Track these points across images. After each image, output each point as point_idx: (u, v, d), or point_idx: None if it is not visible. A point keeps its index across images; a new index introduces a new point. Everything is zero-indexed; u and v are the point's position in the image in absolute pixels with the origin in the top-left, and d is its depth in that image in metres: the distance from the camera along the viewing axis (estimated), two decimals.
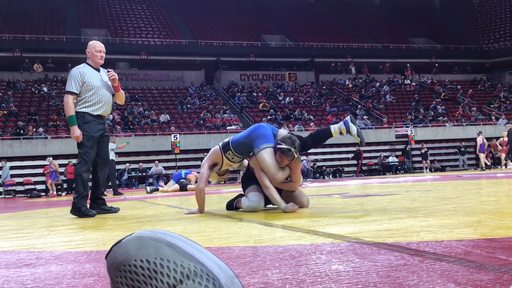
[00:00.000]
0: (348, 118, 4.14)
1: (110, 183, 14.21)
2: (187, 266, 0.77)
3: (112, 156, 13.90)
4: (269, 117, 26.55)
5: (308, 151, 24.49)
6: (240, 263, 1.69)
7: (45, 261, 2.03)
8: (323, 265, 1.56)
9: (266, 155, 4.02)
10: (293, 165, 4.16)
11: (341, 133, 4.14)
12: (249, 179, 4.40)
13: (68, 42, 31.40)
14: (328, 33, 39.10)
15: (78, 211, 4.90)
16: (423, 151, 24.40)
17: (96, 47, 5.21)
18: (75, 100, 5.03)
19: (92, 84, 5.04)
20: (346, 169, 25.14)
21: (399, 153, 26.34)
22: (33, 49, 29.87)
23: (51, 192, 19.14)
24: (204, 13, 39.34)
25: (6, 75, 28.55)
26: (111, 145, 13.83)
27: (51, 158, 19.37)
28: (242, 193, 4.50)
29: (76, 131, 4.94)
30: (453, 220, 2.62)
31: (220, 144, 4.40)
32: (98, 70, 5.22)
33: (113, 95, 5.34)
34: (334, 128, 4.14)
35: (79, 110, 5.02)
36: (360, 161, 24.33)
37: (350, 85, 33.22)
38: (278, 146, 4.00)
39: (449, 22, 44.73)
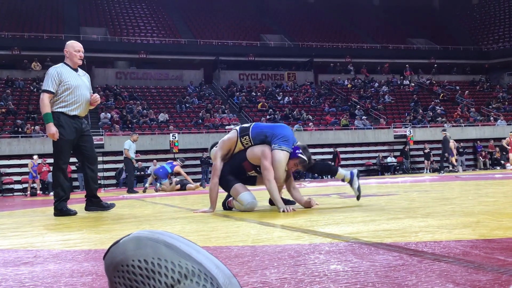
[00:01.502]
0: (355, 171, 4.42)
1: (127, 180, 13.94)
2: (185, 266, 0.77)
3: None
4: (268, 116, 26.54)
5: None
6: (239, 263, 1.69)
7: (43, 260, 2.02)
8: (321, 265, 1.56)
9: (284, 157, 4.11)
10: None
11: (343, 180, 4.44)
12: (230, 179, 4.32)
13: (67, 40, 31.23)
14: (327, 33, 39.10)
15: (60, 211, 4.98)
16: (426, 151, 24.31)
17: (75, 47, 5.21)
18: (51, 100, 5.03)
19: (70, 84, 5.03)
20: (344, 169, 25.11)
21: (398, 153, 26.35)
22: (32, 48, 29.83)
23: (29, 192, 18.71)
24: (204, 13, 39.32)
25: (4, 73, 28.52)
26: (130, 144, 13.48)
27: (36, 157, 19.10)
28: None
29: (52, 128, 4.92)
30: (452, 221, 2.62)
31: (238, 128, 4.42)
32: (76, 70, 5.21)
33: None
34: (341, 172, 4.45)
35: (56, 111, 5.00)
36: (337, 162, 23.61)
37: (349, 85, 33.22)
38: (299, 154, 4.16)
39: (448, 23, 44.76)
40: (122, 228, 3.29)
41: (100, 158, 21.58)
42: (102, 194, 14.43)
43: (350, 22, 41.90)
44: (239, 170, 4.36)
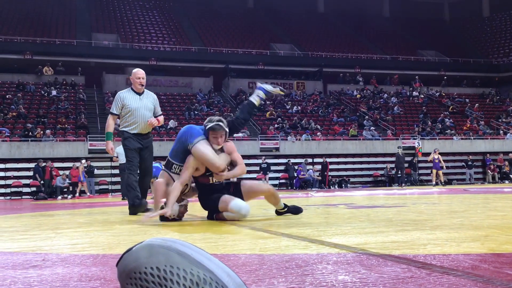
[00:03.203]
0: (260, 85, 4.73)
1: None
2: (196, 274, 0.78)
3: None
4: (276, 125, 26.55)
5: (313, 159, 24.51)
6: (246, 271, 1.69)
7: (52, 263, 2.04)
8: (329, 275, 1.56)
9: (201, 146, 4.11)
10: (228, 149, 4.31)
11: (262, 100, 4.77)
12: (213, 197, 4.22)
13: (78, 46, 31.63)
14: (337, 43, 39.15)
15: (136, 209, 5.61)
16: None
17: (136, 74, 5.88)
18: (118, 120, 5.91)
19: (130, 107, 5.74)
20: (352, 179, 25.05)
21: (406, 165, 26.21)
22: (44, 52, 30.09)
23: (88, 194, 19.98)
24: (214, 21, 39.52)
25: (16, 77, 28.77)
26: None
27: (84, 160, 20.16)
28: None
29: (109, 145, 5.87)
30: (460, 234, 2.60)
31: (162, 168, 4.52)
32: (140, 94, 5.89)
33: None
34: (254, 98, 4.73)
35: (121, 129, 5.80)
36: (326, 172, 23.47)
37: (358, 96, 33.19)
38: (207, 128, 4.17)
39: (458, 35, 44.68)
40: (130, 233, 3.31)
41: (108, 164, 21.69)
42: (110, 199, 14.47)
43: (360, 33, 41.94)
44: (204, 189, 4.34)
